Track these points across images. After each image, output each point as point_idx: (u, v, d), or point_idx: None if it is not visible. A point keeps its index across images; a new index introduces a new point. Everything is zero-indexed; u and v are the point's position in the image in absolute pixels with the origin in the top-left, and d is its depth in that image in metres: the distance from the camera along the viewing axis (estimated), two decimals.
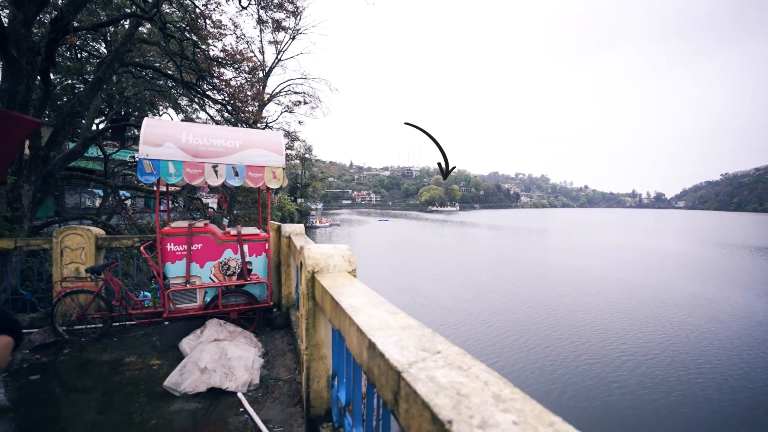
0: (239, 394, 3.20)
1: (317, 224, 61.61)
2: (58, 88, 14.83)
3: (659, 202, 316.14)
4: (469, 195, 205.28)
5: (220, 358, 3.44)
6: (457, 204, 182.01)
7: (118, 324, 4.81)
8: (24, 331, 4.42)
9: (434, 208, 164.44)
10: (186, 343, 3.91)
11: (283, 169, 4.54)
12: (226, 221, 15.31)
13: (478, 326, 15.87)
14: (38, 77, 6.94)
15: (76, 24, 8.35)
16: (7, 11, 9.12)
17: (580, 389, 11.06)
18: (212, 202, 21.78)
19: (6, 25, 6.20)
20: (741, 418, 9.84)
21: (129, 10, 10.52)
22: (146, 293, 4.65)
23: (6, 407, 2.95)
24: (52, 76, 8.63)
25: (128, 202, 15.11)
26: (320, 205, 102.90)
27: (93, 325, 4.63)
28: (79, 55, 13.97)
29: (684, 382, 11.44)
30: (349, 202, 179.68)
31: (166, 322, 4.84)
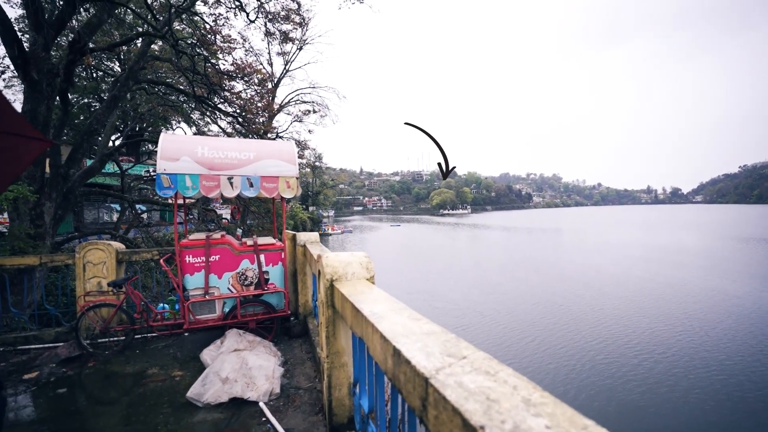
0: (261, 404, 3.22)
1: (329, 231, 61.94)
2: (75, 107, 15.29)
3: (676, 197, 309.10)
4: (481, 197, 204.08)
5: (241, 368, 3.47)
6: (468, 206, 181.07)
7: (139, 336, 4.90)
8: (50, 345, 4.56)
9: (446, 212, 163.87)
10: (207, 354, 3.95)
11: (297, 178, 4.59)
12: (239, 231, 15.50)
13: (494, 329, 15.72)
14: (57, 98, 7.17)
15: (92, 45, 8.62)
16: (28, 36, 9.47)
17: (598, 388, 10.88)
18: (225, 212, 22.10)
19: (27, 49, 6.43)
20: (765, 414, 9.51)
21: (141, 29, 10.83)
22: (164, 305, 4.73)
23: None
24: (70, 96, 8.91)
25: (144, 215, 15.44)
26: (332, 213, 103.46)
27: (116, 338, 4.72)
28: (94, 75, 14.40)
29: (704, 379, 11.15)
30: (360, 208, 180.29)
31: (186, 334, 4.90)
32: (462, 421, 0.82)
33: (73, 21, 10.21)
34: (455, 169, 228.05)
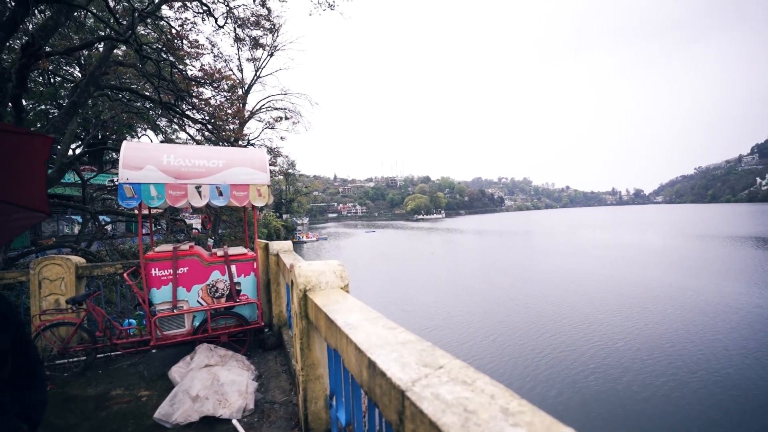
0: (234, 421, 3.09)
1: (304, 239, 61.16)
2: (31, 114, 14.48)
3: (638, 198, 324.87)
4: (454, 202, 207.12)
5: (212, 385, 3.32)
6: (442, 211, 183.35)
7: (102, 355, 4.62)
8: None
9: (420, 217, 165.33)
10: (176, 371, 3.77)
11: (268, 186, 4.49)
12: (211, 241, 15.04)
13: (466, 331, 15.90)
14: (9, 104, 6.76)
15: (48, 49, 8.19)
16: None
17: (570, 388, 11.18)
18: (196, 222, 21.41)
19: None
20: (737, 402, 10.05)
21: (103, 33, 10.39)
22: (131, 321, 4.49)
23: None
24: (24, 102, 8.42)
25: (108, 227, 14.73)
26: (306, 220, 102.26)
27: (76, 359, 4.43)
28: (52, 80, 13.70)
29: (675, 375, 11.66)
30: (335, 215, 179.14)
31: (154, 350, 4.67)
32: None
33: (27, 23, 9.68)
34: (429, 175, 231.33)
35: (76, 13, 9.80)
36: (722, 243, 42.02)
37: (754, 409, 9.79)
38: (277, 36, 20.26)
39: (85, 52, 12.26)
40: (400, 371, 1.08)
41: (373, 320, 1.59)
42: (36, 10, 9.28)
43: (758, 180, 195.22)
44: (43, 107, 15.95)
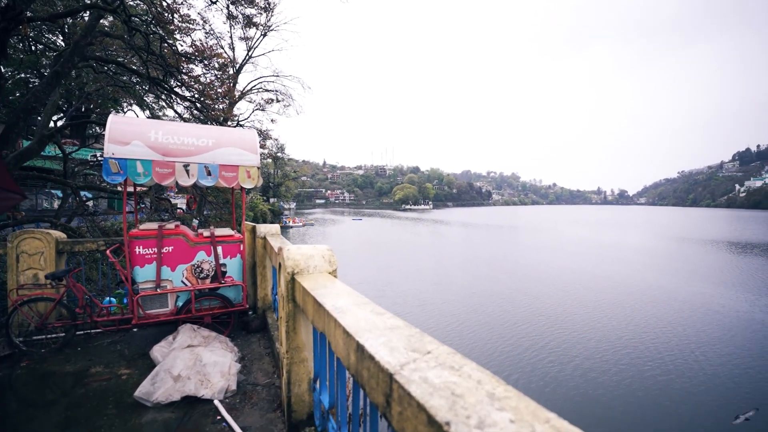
0: (216, 402, 3.09)
1: (291, 224, 60.83)
2: (10, 82, 13.91)
3: (622, 198, 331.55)
4: (443, 193, 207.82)
5: (195, 365, 3.31)
6: (430, 202, 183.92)
7: (82, 332, 4.54)
8: None
9: (408, 207, 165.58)
10: (157, 351, 3.74)
11: (258, 168, 4.43)
12: (195, 222, 14.81)
13: (454, 323, 16.15)
14: None
15: (30, 14, 7.83)
16: None
17: (547, 378, 11.53)
18: (181, 202, 21.03)
19: None
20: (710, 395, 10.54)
21: (89, 1, 9.97)
22: (112, 299, 4.42)
23: None
24: (3, 69, 8.06)
25: (90, 203, 14.34)
26: (293, 205, 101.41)
27: (54, 335, 4.35)
28: (34, 48, 13.15)
29: (658, 368, 12.18)
30: (322, 201, 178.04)
31: (135, 329, 4.62)
32: (427, 417, 0.81)
33: None
34: (418, 166, 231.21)
35: None
36: (698, 245, 43.35)
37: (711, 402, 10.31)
38: (272, 15, 19.72)
39: (70, 20, 11.77)
40: (388, 355, 1.09)
41: (362, 305, 1.60)
42: None
43: (737, 186, 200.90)
44: (23, 75, 15.32)
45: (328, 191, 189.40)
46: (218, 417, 2.93)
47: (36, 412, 3.07)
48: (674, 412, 9.96)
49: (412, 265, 29.24)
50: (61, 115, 16.04)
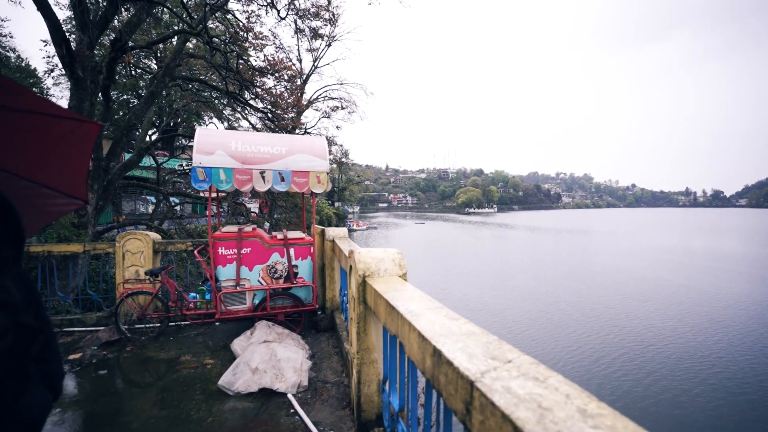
0: (289, 395, 3.26)
1: (354, 227, 62.50)
2: (115, 103, 15.98)
3: (717, 200, 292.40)
4: (508, 196, 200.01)
5: (270, 359, 3.53)
6: (495, 206, 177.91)
7: (173, 324, 5.08)
8: (92, 328, 4.77)
9: (471, 210, 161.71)
10: (237, 344, 4.05)
11: (327, 173, 4.62)
12: (267, 225, 15.82)
13: (520, 331, 15.42)
14: (100, 94, 7.50)
15: (131, 43, 8.97)
16: (75, 35, 9.92)
17: (629, 393, 10.52)
18: (254, 206, 22.59)
19: (74, 48, 6.75)
20: None
21: (177, 28, 11.17)
22: (195, 294, 4.87)
23: None
24: (111, 93, 9.31)
25: (177, 207, 15.99)
26: (357, 209, 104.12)
27: (151, 325, 4.91)
28: (133, 72, 15.00)
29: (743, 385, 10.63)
30: (385, 205, 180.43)
31: (218, 323, 5.04)
32: (513, 428, 0.78)
33: (115, 21, 10.65)
34: (482, 168, 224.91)
35: (154, 10, 10.62)
36: None
37: None
38: (336, 26, 20.53)
39: (161, 46, 13.27)
40: (467, 362, 1.08)
41: (435, 309, 1.59)
42: (122, 9, 10.17)
43: None
44: (125, 97, 17.56)
45: (391, 195, 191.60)
46: (291, 410, 3.08)
47: (138, 391, 3.49)
48: None
49: (473, 269, 28.50)
50: (154, 129, 18.11)
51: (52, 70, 15.65)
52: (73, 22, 10.62)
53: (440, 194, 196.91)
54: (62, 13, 12.97)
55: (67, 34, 7.23)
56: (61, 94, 18.98)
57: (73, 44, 7.57)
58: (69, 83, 7.30)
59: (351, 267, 2.53)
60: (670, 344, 13.81)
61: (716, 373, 11.63)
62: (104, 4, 8.25)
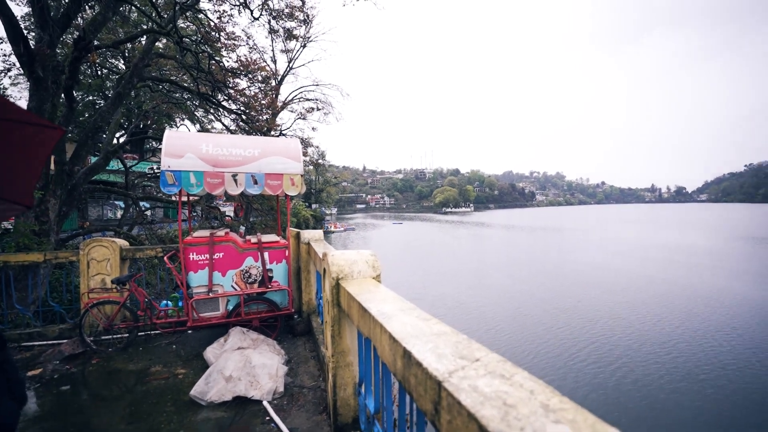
0: (264, 403, 3.20)
1: (332, 229, 62.10)
2: (80, 104, 15.32)
3: (680, 195, 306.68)
4: (484, 195, 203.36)
5: (245, 366, 3.45)
6: (471, 205, 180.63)
7: (143, 334, 4.89)
8: (54, 342, 4.56)
9: (448, 210, 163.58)
10: (210, 352, 3.94)
11: (302, 175, 4.57)
12: (242, 229, 15.51)
13: (497, 328, 15.68)
14: (62, 95, 7.17)
15: (96, 42, 8.61)
16: (34, 33, 9.46)
17: (592, 386, 10.90)
18: (228, 210, 22.12)
19: (33, 46, 6.43)
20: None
21: (146, 27, 10.82)
22: (168, 302, 4.72)
23: None
24: (75, 93, 8.92)
25: (148, 212, 15.46)
26: (335, 210, 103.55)
27: (119, 335, 4.71)
28: (99, 72, 14.43)
29: (711, 381, 11.18)
30: (363, 206, 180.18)
31: (190, 331, 4.90)
32: (478, 427, 0.79)
33: (79, 18, 10.21)
34: (458, 168, 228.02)
35: (122, 8, 10.25)
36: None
37: None
38: (310, 27, 20.38)
39: (129, 45, 12.82)
40: (436, 362, 1.08)
41: (407, 310, 1.59)
42: (86, 6, 9.76)
43: None
44: (90, 98, 16.86)
45: (369, 196, 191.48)
46: (267, 418, 3.02)
47: (105, 405, 3.33)
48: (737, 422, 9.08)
49: (450, 268, 28.84)
50: (123, 132, 17.47)
51: (9, 69, 14.86)
52: (32, 19, 10.12)
53: (418, 194, 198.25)
54: (20, 10, 12.34)
55: (25, 31, 6.88)
56: (19, 95, 18.02)
57: (32, 42, 7.21)
58: (28, 83, 6.95)
59: (325, 269, 2.51)
60: (638, 335, 14.36)
61: (683, 362, 12.16)
62: (66, 1, 7.90)
